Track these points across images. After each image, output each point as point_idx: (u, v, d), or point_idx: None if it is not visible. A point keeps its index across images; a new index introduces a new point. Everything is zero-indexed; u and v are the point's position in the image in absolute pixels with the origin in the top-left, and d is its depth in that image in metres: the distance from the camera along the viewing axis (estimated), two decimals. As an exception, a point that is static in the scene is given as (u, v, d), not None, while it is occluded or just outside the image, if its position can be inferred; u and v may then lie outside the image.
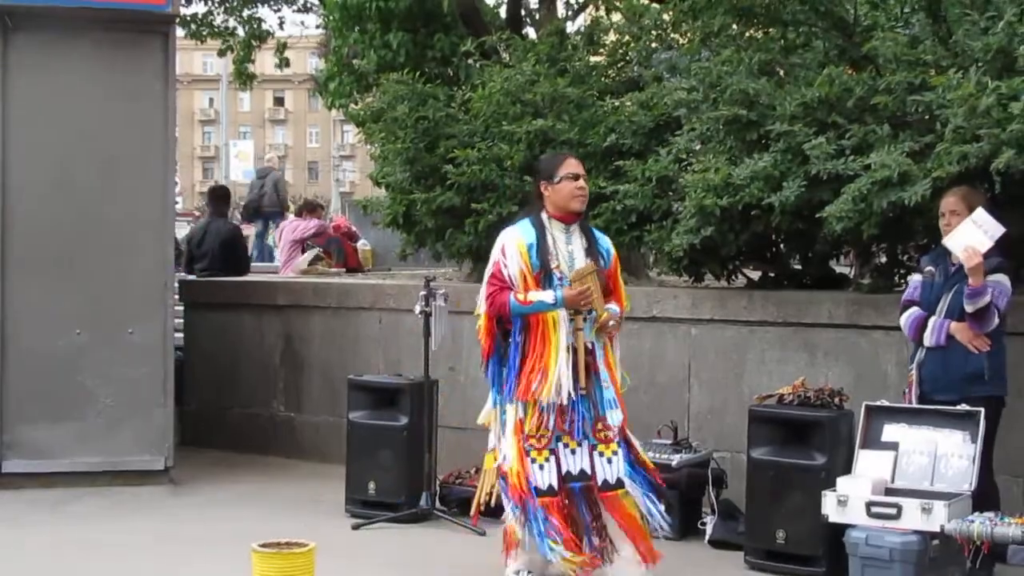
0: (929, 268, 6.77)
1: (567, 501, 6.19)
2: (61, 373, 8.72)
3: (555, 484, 6.17)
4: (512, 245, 6.27)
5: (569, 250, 6.28)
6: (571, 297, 6.11)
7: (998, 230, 6.42)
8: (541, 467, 6.18)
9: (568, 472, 6.20)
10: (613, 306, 6.32)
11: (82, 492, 8.50)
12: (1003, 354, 6.62)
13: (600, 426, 6.21)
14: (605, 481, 6.19)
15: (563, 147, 9.31)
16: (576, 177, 6.27)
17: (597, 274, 6.17)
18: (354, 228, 14.91)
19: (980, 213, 6.46)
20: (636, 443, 6.38)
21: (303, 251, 13.69)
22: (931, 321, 6.62)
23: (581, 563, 6.16)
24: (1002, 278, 6.52)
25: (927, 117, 7.40)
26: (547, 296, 6.14)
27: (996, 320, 6.50)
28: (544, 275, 6.18)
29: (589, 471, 6.20)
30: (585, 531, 6.22)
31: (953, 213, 6.59)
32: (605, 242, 6.45)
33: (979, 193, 6.80)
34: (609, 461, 6.21)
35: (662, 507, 6.32)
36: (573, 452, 6.21)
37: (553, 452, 6.19)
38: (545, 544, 6.11)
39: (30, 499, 8.33)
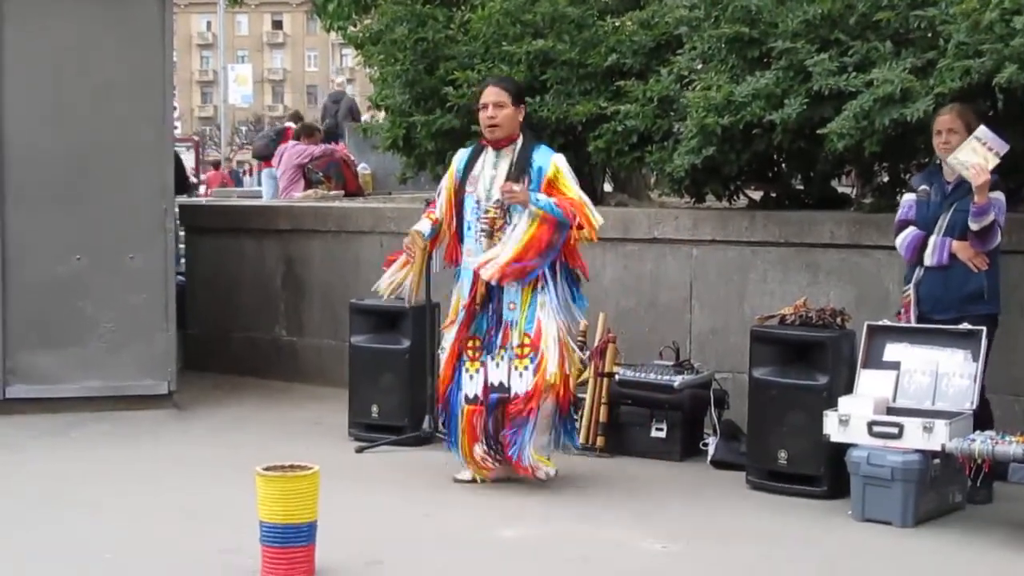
0: (923, 187, 6.72)
1: (484, 410, 6.68)
2: (62, 299, 8.72)
3: (479, 394, 6.67)
4: (451, 167, 6.88)
5: (492, 173, 6.66)
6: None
7: (1003, 147, 6.37)
8: (471, 376, 6.72)
9: (491, 383, 6.67)
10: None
11: (85, 417, 8.53)
12: (999, 273, 6.60)
13: (516, 341, 6.59)
14: (516, 393, 6.60)
15: (563, 68, 9.25)
16: (484, 107, 6.66)
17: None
18: (352, 157, 14.82)
19: (983, 130, 6.40)
20: (548, 359, 6.57)
21: (304, 175, 13.64)
22: (931, 240, 6.59)
23: (476, 469, 6.80)
24: (999, 195, 6.49)
25: (930, 33, 7.34)
26: (424, 227, 6.93)
27: (999, 238, 6.47)
28: (459, 198, 6.77)
29: (507, 383, 6.59)
30: (486, 439, 6.70)
31: (951, 131, 6.53)
32: (541, 159, 6.66)
33: (974, 110, 6.72)
34: (520, 375, 6.58)
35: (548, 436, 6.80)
36: (497, 365, 6.66)
37: (483, 364, 6.68)
38: (456, 448, 6.83)
39: (34, 424, 8.37)
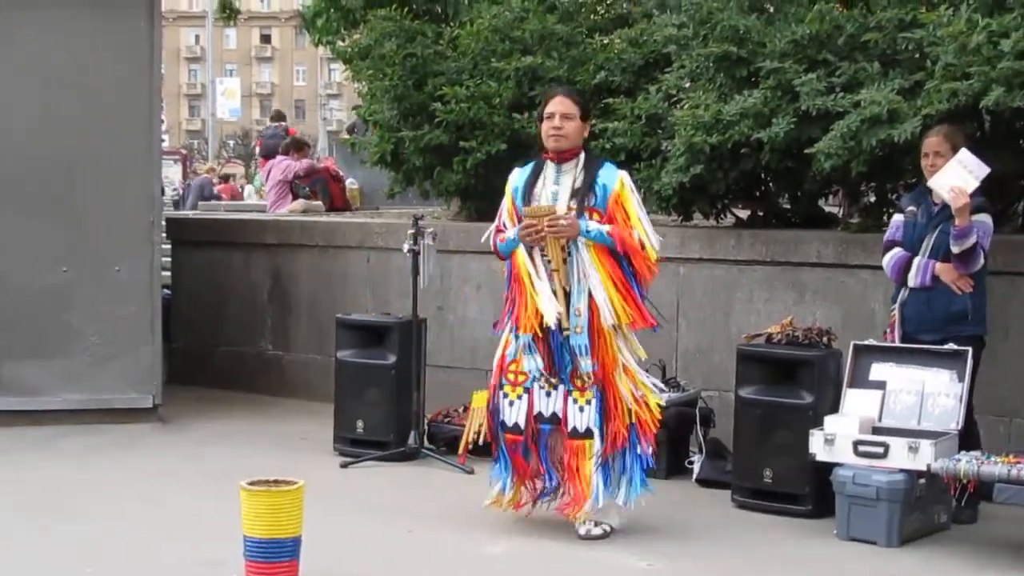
0: (911, 208, 6.74)
1: (532, 442, 6.24)
2: (47, 311, 8.70)
3: (521, 423, 6.22)
4: (508, 187, 6.35)
5: (554, 190, 6.21)
6: (521, 234, 6.12)
7: (983, 170, 6.40)
8: (512, 403, 6.26)
9: (540, 413, 6.22)
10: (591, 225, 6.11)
11: (70, 429, 8.50)
12: (985, 294, 6.62)
13: (576, 373, 6.14)
14: (574, 428, 6.17)
15: (551, 85, 9.25)
16: (551, 116, 6.20)
17: (566, 215, 6.07)
18: (341, 172, 14.82)
19: (965, 153, 6.43)
20: (623, 391, 6.16)
21: (291, 190, 13.63)
22: (915, 261, 6.61)
23: (508, 502, 6.36)
24: (985, 218, 6.50)
25: (917, 55, 7.37)
26: (511, 232, 6.19)
27: (981, 260, 6.49)
28: (521, 216, 6.21)
29: (560, 415, 6.20)
30: (537, 472, 6.30)
31: (937, 154, 6.55)
32: (606, 178, 6.19)
33: (962, 132, 6.74)
34: (581, 409, 6.16)
35: (604, 482, 6.16)
36: (548, 394, 6.21)
37: (528, 391, 6.23)
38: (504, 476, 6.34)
39: (18, 436, 8.33)
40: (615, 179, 6.19)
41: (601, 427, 6.14)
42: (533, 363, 6.18)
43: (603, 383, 6.15)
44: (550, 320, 6.03)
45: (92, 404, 8.75)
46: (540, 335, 6.14)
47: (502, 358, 6.31)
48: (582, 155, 6.26)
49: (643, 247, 6.12)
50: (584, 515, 6.18)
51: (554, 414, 6.21)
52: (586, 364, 6.11)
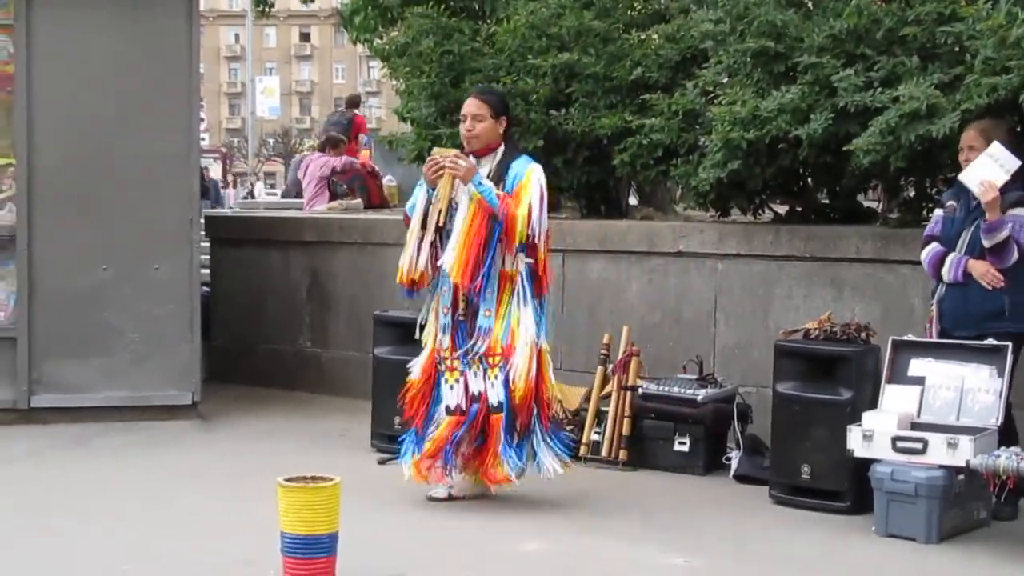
0: (951, 203, 6.70)
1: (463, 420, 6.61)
2: (87, 310, 8.75)
3: (463, 404, 6.61)
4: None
5: (453, 195, 6.62)
6: (424, 168, 6.69)
7: (1014, 163, 6.36)
8: (452, 387, 6.64)
9: (473, 394, 6.60)
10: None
11: (110, 427, 8.56)
12: (1023, 289, 6.55)
13: (487, 349, 6.55)
14: (490, 404, 6.57)
15: (588, 81, 9.26)
16: (464, 119, 6.74)
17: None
18: (378, 169, 14.82)
19: (996, 147, 6.40)
20: (515, 368, 6.51)
21: (329, 188, 13.66)
22: (949, 257, 6.57)
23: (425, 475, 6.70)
24: (1022, 211, 6.45)
25: (956, 49, 7.32)
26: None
27: (1016, 255, 6.42)
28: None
29: (482, 392, 6.58)
30: (453, 448, 6.61)
31: (972, 148, 6.52)
32: (519, 167, 6.61)
33: (1001, 126, 6.70)
34: (492, 385, 6.56)
35: (514, 450, 6.60)
36: (475, 374, 6.61)
37: (463, 374, 6.62)
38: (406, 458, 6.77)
39: (58, 433, 8.39)
40: (525, 170, 6.62)
41: (507, 400, 6.55)
42: (446, 342, 6.66)
43: (506, 361, 6.55)
44: (406, 267, 6.65)
45: (132, 401, 8.81)
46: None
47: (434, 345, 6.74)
48: (500, 148, 6.72)
49: (516, 220, 6.47)
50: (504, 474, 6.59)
51: (480, 392, 6.59)
52: (491, 341, 6.54)
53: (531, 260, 6.61)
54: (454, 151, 6.69)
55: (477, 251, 6.48)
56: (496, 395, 6.55)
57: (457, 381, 6.63)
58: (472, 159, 6.64)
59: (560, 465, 6.66)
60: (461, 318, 6.62)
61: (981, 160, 6.39)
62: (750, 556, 5.99)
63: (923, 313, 7.02)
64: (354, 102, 18.79)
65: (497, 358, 6.56)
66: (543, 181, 6.63)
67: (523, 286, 6.59)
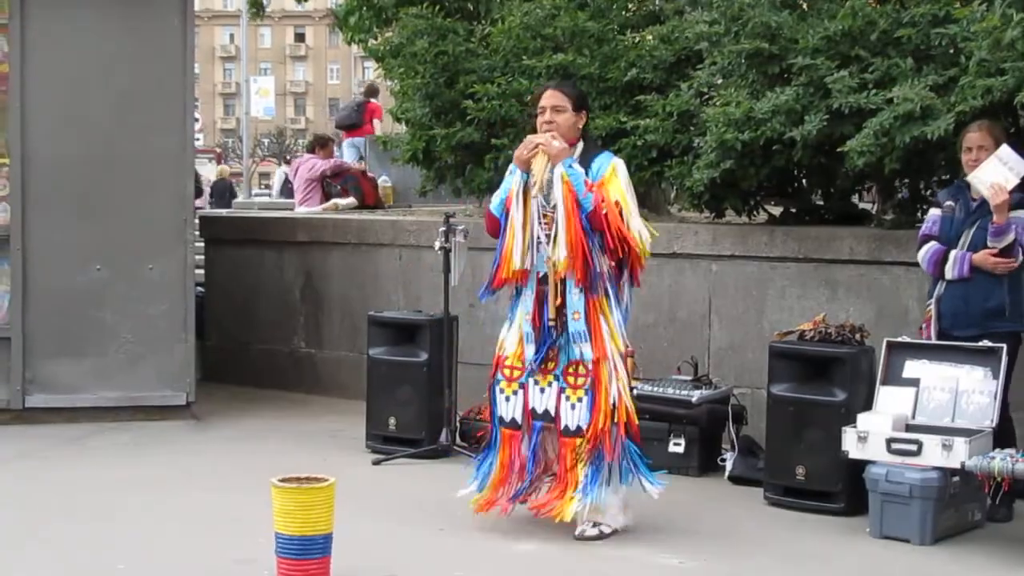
0: (949, 203, 6.70)
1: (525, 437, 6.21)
2: (81, 309, 8.75)
3: (518, 418, 6.20)
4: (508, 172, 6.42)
5: (548, 177, 6.13)
6: (517, 149, 6.22)
7: (1022, 166, 6.36)
8: (508, 399, 6.24)
9: (533, 409, 6.19)
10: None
11: (104, 427, 8.56)
12: (1022, 290, 6.57)
13: (571, 368, 6.12)
14: (566, 426, 6.13)
15: (583, 82, 9.25)
16: (542, 111, 6.26)
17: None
18: (370, 172, 14.80)
19: (1005, 149, 6.41)
20: (612, 386, 6.07)
21: (322, 189, 13.63)
22: (952, 253, 6.56)
23: (485, 503, 6.29)
24: (1023, 214, 6.46)
25: (951, 50, 7.33)
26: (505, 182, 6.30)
27: (1020, 257, 6.45)
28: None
29: (553, 413, 6.15)
30: (528, 471, 6.22)
31: (981, 148, 6.51)
32: (601, 162, 6.15)
33: (1001, 126, 6.71)
34: (573, 407, 6.11)
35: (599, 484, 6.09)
36: (542, 390, 6.19)
37: (523, 386, 6.20)
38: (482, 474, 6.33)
39: (52, 433, 8.39)
40: (608, 165, 6.16)
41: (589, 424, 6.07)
42: (531, 352, 6.17)
43: (594, 379, 6.07)
44: (518, 261, 6.06)
45: (126, 401, 8.81)
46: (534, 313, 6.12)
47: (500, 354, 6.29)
48: (580, 144, 6.25)
49: (622, 219, 6.01)
50: (572, 513, 6.08)
51: (547, 411, 6.17)
52: (583, 352, 6.07)
53: (612, 263, 6.13)
54: (549, 132, 6.18)
55: (583, 240, 5.99)
56: (576, 418, 6.08)
57: (515, 393, 6.22)
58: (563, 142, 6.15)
59: (655, 492, 6.28)
60: (551, 323, 6.13)
61: (990, 162, 6.40)
62: (745, 557, 5.99)
63: (918, 314, 7.02)
64: (372, 90, 18.88)
65: (582, 379, 6.08)
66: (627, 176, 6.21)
67: (609, 289, 6.15)
